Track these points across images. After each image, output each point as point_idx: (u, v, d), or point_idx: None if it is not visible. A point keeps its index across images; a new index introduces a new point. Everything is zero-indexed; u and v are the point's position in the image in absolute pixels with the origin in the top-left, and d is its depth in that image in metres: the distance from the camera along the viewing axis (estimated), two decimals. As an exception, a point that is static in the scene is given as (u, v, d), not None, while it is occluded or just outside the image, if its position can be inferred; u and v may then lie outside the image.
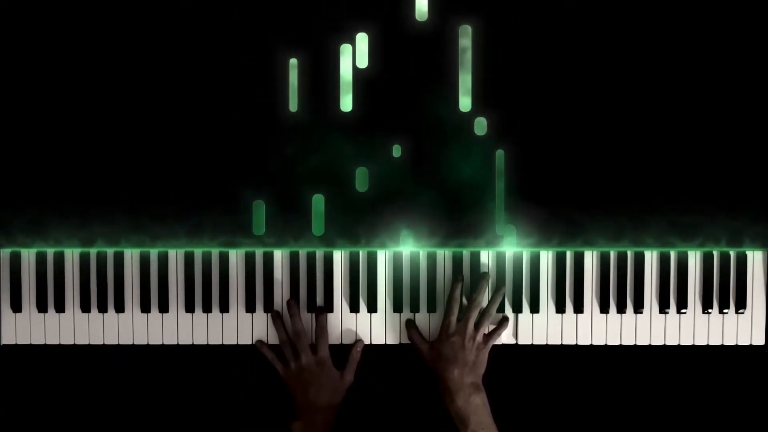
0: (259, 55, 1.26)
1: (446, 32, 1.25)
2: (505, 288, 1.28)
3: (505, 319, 1.28)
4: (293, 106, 1.26)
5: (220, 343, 1.30)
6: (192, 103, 1.26)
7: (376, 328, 1.30)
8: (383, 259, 1.29)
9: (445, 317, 1.25)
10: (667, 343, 1.30)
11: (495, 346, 1.29)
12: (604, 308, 1.29)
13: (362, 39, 1.25)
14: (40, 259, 1.28)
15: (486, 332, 1.26)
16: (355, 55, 1.26)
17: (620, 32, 1.26)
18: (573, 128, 1.27)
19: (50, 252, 1.28)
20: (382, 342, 1.30)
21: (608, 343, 1.30)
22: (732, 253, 1.29)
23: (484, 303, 1.27)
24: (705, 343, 1.29)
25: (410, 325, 1.28)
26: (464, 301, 1.28)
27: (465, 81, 1.26)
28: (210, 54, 1.26)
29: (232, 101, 1.26)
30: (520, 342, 1.30)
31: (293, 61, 1.26)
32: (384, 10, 1.25)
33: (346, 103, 1.26)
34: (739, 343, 1.29)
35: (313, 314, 1.29)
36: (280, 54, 1.26)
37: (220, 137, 1.26)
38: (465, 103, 1.26)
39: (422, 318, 1.30)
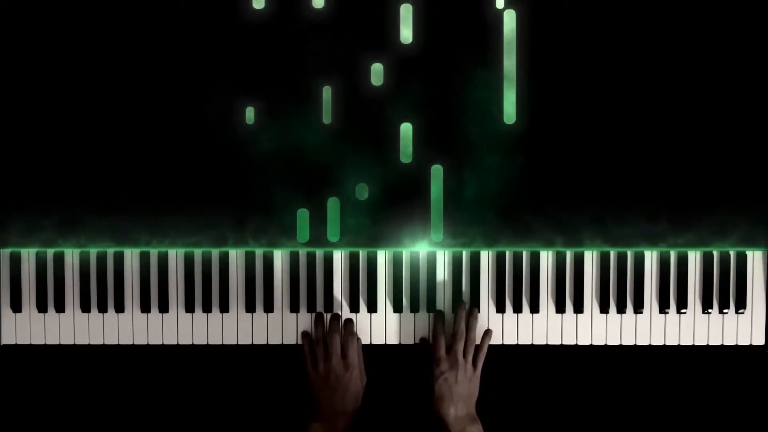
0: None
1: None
2: (476, 309, 1.28)
3: (487, 334, 1.28)
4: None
5: (220, 343, 1.30)
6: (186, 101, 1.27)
7: (376, 328, 1.30)
8: (383, 259, 1.29)
9: (433, 355, 1.24)
10: (667, 344, 1.30)
11: (494, 346, 1.29)
12: (604, 308, 1.29)
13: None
14: (40, 259, 1.28)
15: (472, 358, 1.26)
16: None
17: (614, 36, 1.26)
18: (574, 129, 1.27)
19: (50, 252, 1.28)
20: (382, 342, 1.30)
21: (608, 343, 1.30)
22: (732, 253, 1.29)
23: (464, 331, 1.26)
24: (705, 344, 1.29)
25: (425, 343, 1.29)
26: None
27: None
28: (206, 62, 1.26)
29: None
30: (520, 342, 1.30)
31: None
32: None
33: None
34: (739, 343, 1.29)
35: (342, 321, 1.28)
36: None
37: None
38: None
39: (422, 318, 1.30)
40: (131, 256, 1.29)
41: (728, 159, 1.27)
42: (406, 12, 1.26)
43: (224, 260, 1.29)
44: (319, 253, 1.29)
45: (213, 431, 1.33)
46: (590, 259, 1.29)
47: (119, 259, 1.29)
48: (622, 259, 1.29)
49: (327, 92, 1.26)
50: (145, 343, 1.30)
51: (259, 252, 1.29)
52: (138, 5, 1.25)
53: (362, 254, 1.29)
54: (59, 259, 1.28)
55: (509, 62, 1.25)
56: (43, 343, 1.30)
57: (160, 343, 1.30)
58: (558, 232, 1.27)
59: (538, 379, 1.32)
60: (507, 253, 1.29)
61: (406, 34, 1.26)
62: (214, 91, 1.26)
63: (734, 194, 1.27)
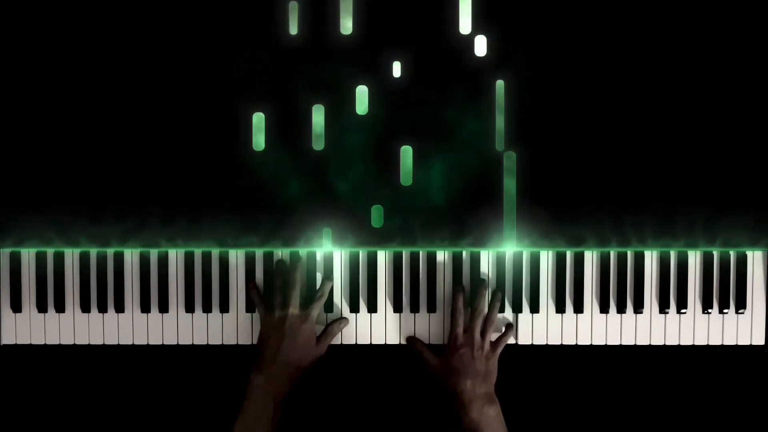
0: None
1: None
2: (499, 293, 1.28)
3: (510, 326, 1.28)
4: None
5: (220, 343, 1.30)
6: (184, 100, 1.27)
7: (376, 328, 1.30)
8: (383, 259, 1.29)
9: (451, 331, 1.24)
10: (667, 343, 1.30)
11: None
12: (604, 308, 1.29)
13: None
14: (40, 259, 1.28)
15: (491, 339, 1.26)
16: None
17: (616, 36, 1.26)
18: (575, 130, 1.27)
19: (50, 252, 1.28)
20: (382, 342, 1.30)
21: (608, 343, 1.30)
22: (732, 253, 1.29)
23: (486, 310, 1.27)
24: (705, 343, 1.29)
25: (414, 340, 1.28)
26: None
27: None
28: (211, 61, 1.26)
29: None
30: (520, 342, 1.30)
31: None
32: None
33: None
34: (739, 343, 1.29)
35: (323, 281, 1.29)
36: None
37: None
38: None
39: (422, 318, 1.30)
40: (131, 256, 1.29)
41: (728, 159, 1.27)
42: (406, 155, 1.27)
43: (224, 260, 1.29)
44: (319, 253, 1.29)
45: (213, 431, 1.33)
46: (590, 259, 1.29)
47: (119, 259, 1.29)
48: (622, 259, 1.29)
49: (327, 234, 1.27)
50: (145, 343, 1.30)
51: (259, 252, 1.29)
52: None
53: (362, 254, 1.29)
54: (59, 259, 1.28)
55: (509, 204, 1.26)
56: (43, 343, 1.30)
57: (160, 343, 1.30)
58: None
59: (538, 378, 1.32)
60: (507, 253, 1.29)
61: (406, 177, 1.27)
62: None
63: (734, 194, 1.27)
